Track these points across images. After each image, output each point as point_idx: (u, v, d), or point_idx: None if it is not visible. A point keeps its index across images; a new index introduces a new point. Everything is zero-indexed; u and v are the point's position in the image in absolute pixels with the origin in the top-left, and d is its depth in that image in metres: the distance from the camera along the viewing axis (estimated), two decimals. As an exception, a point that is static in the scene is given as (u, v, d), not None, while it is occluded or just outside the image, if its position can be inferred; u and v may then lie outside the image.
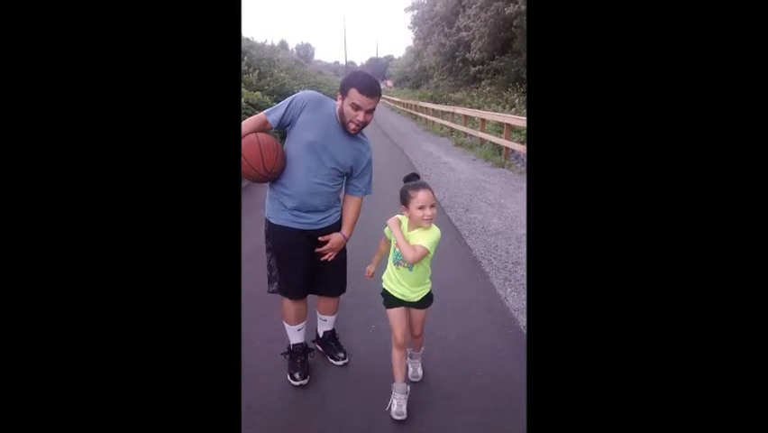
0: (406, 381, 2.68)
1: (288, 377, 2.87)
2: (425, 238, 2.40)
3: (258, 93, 13.58)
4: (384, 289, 2.63)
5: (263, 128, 2.58)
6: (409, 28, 41.22)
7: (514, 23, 21.77)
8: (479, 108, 18.06)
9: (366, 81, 2.45)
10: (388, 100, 42.31)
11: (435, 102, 25.22)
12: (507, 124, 11.27)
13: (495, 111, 16.58)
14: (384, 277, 2.65)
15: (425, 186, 2.41)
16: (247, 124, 2.55)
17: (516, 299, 4.03)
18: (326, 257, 2.76)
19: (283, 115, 2.55)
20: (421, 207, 2.36)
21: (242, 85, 13.56)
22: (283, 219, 2.65)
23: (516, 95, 19.30)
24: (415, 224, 2.44)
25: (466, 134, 15.11)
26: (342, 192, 2.80)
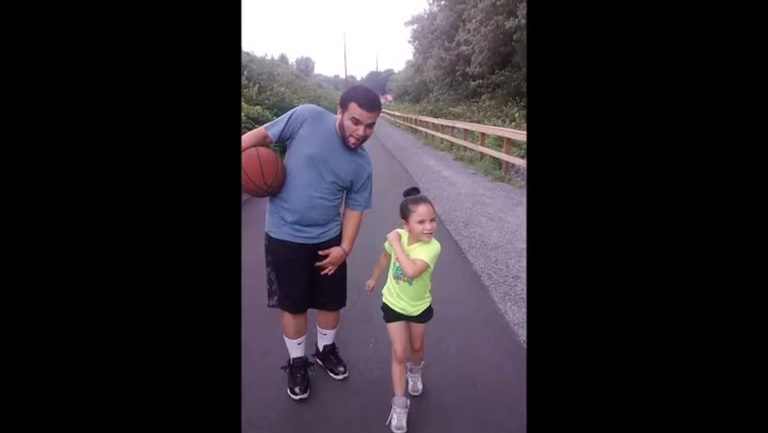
0: (406, 395, 2.68)
1: (288, 391, 2.85)
2: (425, 252, 2.40)
3: (258, 107, 13.63)
4: (384, 303, 2.63)
5: (263, 142, 2.58)
6: (409, 42, 41.48)
7: (514, 38, 21.86)
8: (479, 122, 18.09)
9: (366, 95, 2.46)
10: (388, 114, 42.41)
11: (435, 116, 25.24)
12: (507, 138, 11.29)
13: (495, 125, 16.58)
14: (384, 291, 2.65)
15: (424, 200, 2.41)
16: (247, 138, 2.56)
17: (516, 313, 4.02)
18: (326, 271, 2.76)
19: (283, 129, 2.55)
20: (421, 221, 2.36)
21: (242, 99, 13.61)
22: (283, 233, 2.65)
23: (516, 109, 19.32)
24: (415, 238, 2.44)
25: (466, 148, 15.12)
26: (343, 206, 2.81)
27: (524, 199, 8.29)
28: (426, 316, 2.61)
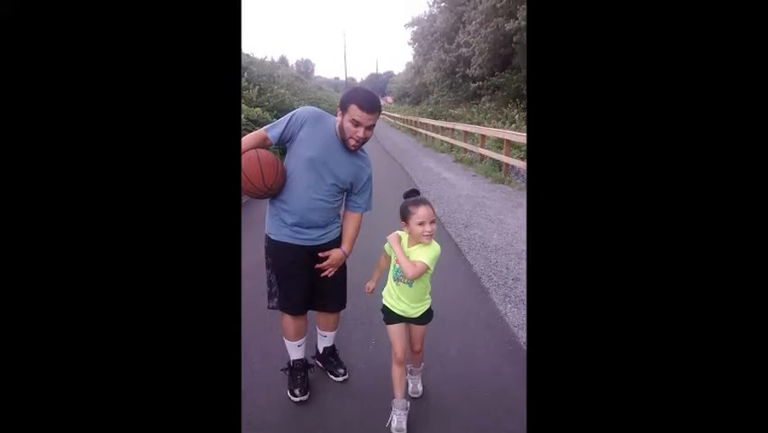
0: (406, 397, 2.68)
1: (288, 393, 2.85)
2: (425, 254, 2.40)
3: (258, 109, 13.66)
4: (384, 305, 2.63)
5: (263, 144, 2.59)
6: (409, 44, 41.52)
7: (514, 39, 21.86)
8: (479, 124, 18.09)
9: (366, 97, 2.45)
10: (388, 116, 42.40)
11: (435, 118, 25.21)
12: (507, 140, 11.29)
13: (495, 127, 16.59)
14: (384, 293, 2.65)
15: (425, 202, 2.41)
16: (247, 140, 2.56)
17: (515, 315, 4.02)
18: (326, 273, 2.76)
19: (283, 131, 2.56)
20: (421, 223, 2.36)
21: (242, 101, 13.62)
22: (283, 235, 2.65)
23: (515, 111, 19.31)
24: (415, 240, 2.44)
25: (466, 150, 15.12)
26: (343, 208, 2.81)
27: (524, 201, 8.29)
28: (426, 318, 2.61)
